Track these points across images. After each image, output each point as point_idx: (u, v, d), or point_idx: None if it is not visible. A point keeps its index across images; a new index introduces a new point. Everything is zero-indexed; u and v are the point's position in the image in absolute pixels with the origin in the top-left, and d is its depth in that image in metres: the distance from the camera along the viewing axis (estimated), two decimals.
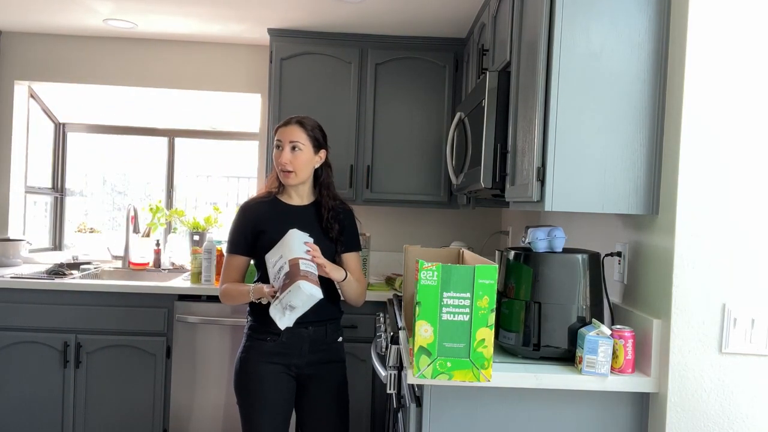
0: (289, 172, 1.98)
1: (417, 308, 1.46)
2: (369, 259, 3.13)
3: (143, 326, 2.91)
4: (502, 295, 1.68)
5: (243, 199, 4.02)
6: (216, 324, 2.88)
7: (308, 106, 3.14)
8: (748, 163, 1.49)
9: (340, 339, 2.13)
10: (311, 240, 1.89)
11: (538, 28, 1.60)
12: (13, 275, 2.98)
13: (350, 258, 2.11)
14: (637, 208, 1.58)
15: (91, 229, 3.89)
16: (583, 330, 1.55)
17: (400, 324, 2.11)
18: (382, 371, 1.99)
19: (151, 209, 3.64)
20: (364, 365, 2.87)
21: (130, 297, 2.90)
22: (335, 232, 2.04)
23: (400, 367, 1.80)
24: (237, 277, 2.05)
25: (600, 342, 1.50)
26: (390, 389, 1.78)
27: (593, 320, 1.59)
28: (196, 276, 2.99)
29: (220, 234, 3.57)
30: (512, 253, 1.68)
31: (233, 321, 2.87)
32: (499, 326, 1.66)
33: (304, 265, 1.80)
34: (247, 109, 3.78)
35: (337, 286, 2.06)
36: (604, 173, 1.56)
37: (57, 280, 2.92)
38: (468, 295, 1.45)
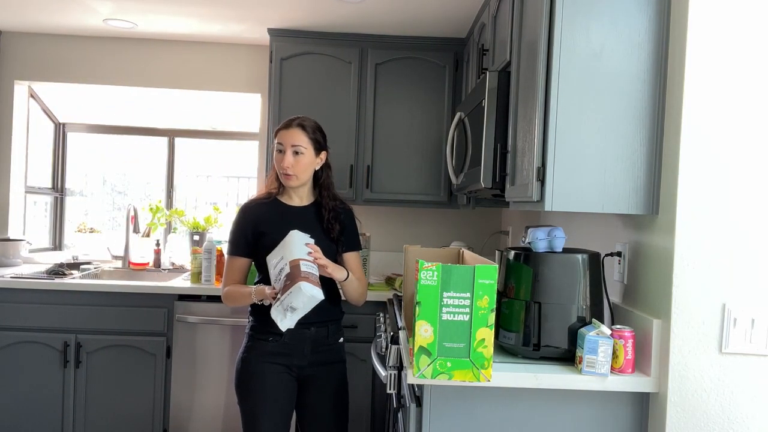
0: (291, 175, 1.98)
1: (417, 308, 1.46)
2: (369, 259, 3.13)
3: (143, 326, 2.91)
4: (502, 295, 1.68)
5: (243, 200, 4.06)
6: (216, 324, 2.88)
7: (308, 106, 3.14)
8: (749, 163, 1.49)
9: (341, 339, 2.13)
10: (312, 241, 1.89)
11: (538, 28, 1.60)
12: (13, 275, 2.98)
13: (351, 257, 2.11)
14: (637, 208, 1.58)
15: (91, 229, 3.89)
16: (583, 330, 1.55)
17: (400, 324, 2.11)
18: (382, 371, 2.00)
19: (151, 209, 3.64)
20: (364, 365, 2.87)
21: (130, 297, 2.90)
22: (336, 232, 2.04)
23: (400, 367, 1.80)
24: (239, 278, 2.05)
25: (600, 342, 1.50)
26: (390, 389, 1.78)
27: (593, 320, 1.59)
28: (196, 276, 3.00)
29: (220, 234, 3.57)
30: (512, 253, 1.68)
31: (233, 321, 2.87)
32: (499, 326, 1.66)
33: (305, 266, 1.80)
34: (247, 109, 3.78)
35: (339, 286, 2.06)
36: (604, 173, 1.56)
37: (57, 280, 2.92)
38: (468, 295, 1.45)
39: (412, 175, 3.22)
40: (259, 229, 1.99)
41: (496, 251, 2.86)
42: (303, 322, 1.89)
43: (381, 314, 2.56)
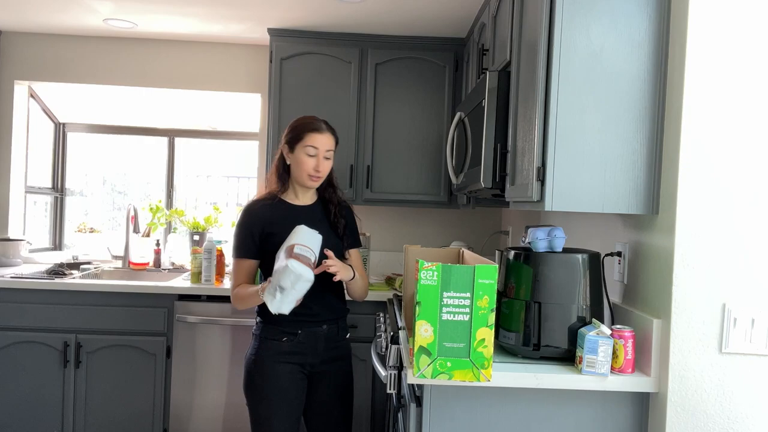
0: (319, 178, 2.01)
1: (417, 308, 1.46)
2: (369, 259, 3.14)
3: (143, 326, 2.91)
4: (502, 294, 1.68)
5: (243, 200, 4.06)
6: (216, 324, 2.88)
7: (308, 106, 3.14)
8: (749, 163, 1.49)
9: (348, 335, 2.15)
10: (319, 237, 1.88)
11: (538, 28, 1.60)
12: (13, 275, 2.98)
13: (354, 254, 2.15)
14: (637, 207, 1.58)
15: (91, 229, 3.89)
16: (583, 330, 1.55)
17: (400, 324, 2.11)
18: (382, 371, 1.99)
19: (151, 209, 3.64)
20: (364, 365, 2.87)
21: (130, 297, 2.90)
22: (342, 227, 2.08)
23: (400, 367, 1.80)
24: (247, 280, 2.04)
25: (600, 342, 1.50)
26: (390, 389, 1.78)
27: (593, 320, 1.59)
28: (196, 276, 2.99)
29: (220, 234, 3.57)
30: (512, 252, 1.68)
31: (233, 321, 2.87)
32: (499, 326, 1.66)
33: (298, 249, 1.78)
34: (247, 109, 3.78)
35: (344, 285, 2.07)
36: (604, 173, 1.56)
37: (57, 280, 2.92)
38: (468, 294, 1.45)
39: (412, 175, 3.22)
40: (266, 230, 1.98)
41: (496, 251, 2.86)
42: (316, 320, 1.97)
43: (381, 314, 2.56)
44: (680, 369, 1.51)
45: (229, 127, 3.92)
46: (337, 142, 2.06)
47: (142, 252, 3.49)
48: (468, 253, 2.00)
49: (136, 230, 3.52)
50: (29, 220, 3.74)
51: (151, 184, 4.02)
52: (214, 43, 3.56)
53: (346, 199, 2.20)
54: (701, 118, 1.49)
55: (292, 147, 1.99)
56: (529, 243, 1.69)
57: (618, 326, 1.57)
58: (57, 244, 3.86)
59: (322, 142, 1.97)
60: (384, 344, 2.13)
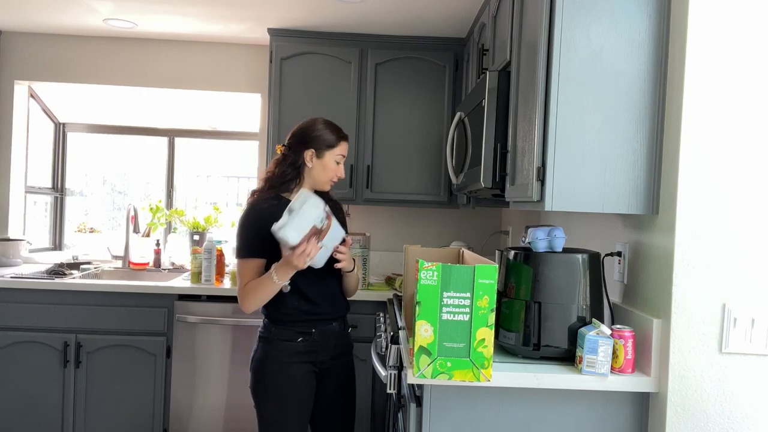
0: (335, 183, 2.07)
1: (417, 308, 1.46)
2: (369, 259, 3.13)
3: (143, 326, 2.91)
4: (502, 294, 1.68)
5: (243, 200, 4.06)
6: (216, 324, 2.88)
7: (308, 106, 3.14)
8: (749, 163, 1.49)
9: (350, 329, 2.18)
10: (325, 207, 1.84)
11: (538, 28, 1.60)
12: (13, 275, 2.98)
13: None
14: (637, 207, 1.58)
15: (91, 229, 3.89)
16: (583, 330, 1.55)
17: (400, 324, 2.11)
18: (382, 371, 2.00)
19: (151, 209, 3.64)
20: (364, 365, 2.87)
21: (130, 297, 2.90)
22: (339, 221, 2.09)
23: (400, 367, 1.80)
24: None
25: (600, 342, 1.50)
26: (390, 389, 1.78)
27: (593, 320, 1.59)
28: (196, 276, 3.00)
29: (220, 234, 3.57)
30: (512, 252, 1.68)
31: (233, 321, 2.87)
32: (499, 326, 1.66)
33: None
34: (247, 109, 3.78)
35: (344, 278, 2.09)
36: (604, 173, 1.56)
37: (57, 280, 2.92)
38: (468, 294, 1.45)
39: (412, 175, 3.22)
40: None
41: (496, 251, 2.86)
42: (327, 318, 2.00)
43: (381, 314, 2.56)
44: (680, 369, 1.51)
45: (229, 127, 3.92)
46: None
47: (142, 252, 3.49)
48: (468, 253, 2.00)
49: (136, 230, 3.52)
50: (29, 220, 3.74)
51: (151, 184, 4.02)
52: (214, 43, 3.56)
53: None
54: (701, 118, 1.49)
55: (321, 152, 1.98)
56: (529, 243, 1.69)
57: (618, 326, 1.57)
58: (57, 244, 3.86)
59: (345, 150, 2.05)
60: (384, 344, 2.13)
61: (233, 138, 3.93)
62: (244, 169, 4.04)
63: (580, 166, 1.56)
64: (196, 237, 3.48)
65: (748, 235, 1.50)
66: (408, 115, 3.21)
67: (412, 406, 1.60)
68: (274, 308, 1.97)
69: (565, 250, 1.68)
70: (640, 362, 1.60)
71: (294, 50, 3.17)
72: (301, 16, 2.99)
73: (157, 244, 3.54)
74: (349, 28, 3.14)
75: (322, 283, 1.99)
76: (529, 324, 1.60)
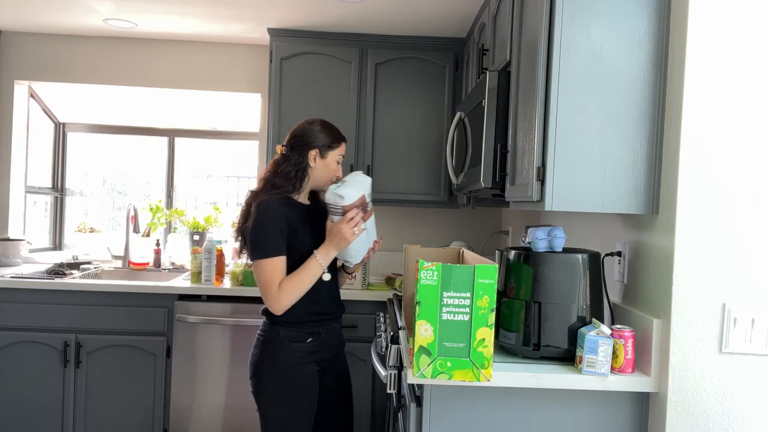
0: None
1: (417, 308, 1.46)
2: (369, 259, 3.13)
3: (143, 326, 2.91)
4: (502, 294, 1.68)
5: (243, 200, 4.05)
6: (216, 324, 2.88)
7: (308, 105, 3.14)
8: (749, 163, 1.49)
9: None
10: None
11: (538, 28, 1.61)
12: (13, 275, 2.98)
13: None
14: (637, 207, 1.58)
15: (91, 228, 3.89)
16: (583, 330, 1.55)
17: (400, 324, 2.11)
18: (382, 371, 2.00)
19: (151, 209, 3.64)
20: (364, 365, 2.88)
21: (130, 297, 2.90)
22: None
23: (400, 367, 1.80)
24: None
25: (600, 342, 1.50)
26: (390, 389, 1.78)
27: (593, 320, 1.59)
28: (196, 276, 3.00)
29: (220, 234, 3.57)
30: (512, 252, 1.68)
31: (233, 321, 2.87)
32: (499, 326, 1.66)
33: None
34: (247, 109, 3.78)
35: (340, 273, 2.14)
36: (604, 173, 1.56)
37: (57, 280, 2.92)
38: (468, 294, 1.45)
39: (412, 175, 3.22)
40: (292, 225, 1.94)
41: (496, 251, 2.87)
42: (333, 317, 2.03)
43: (381, 314, 2.56)
44: (680, 369, 1.51)
45: (229, 127, 3.92)
46: None
47: (142, 252, 3.49)
48: (468, 253, 2.00)
49: (136, 230, 3.52)
50: (29, 220, 3.74)
51: (151, 184, 4.02)
52: (214, 43, 3.56)
53: None
54: (701, 118, 1.49)
55: (324, 153, 2.01)
56: (529, 243, 1.69)
57: (618, 326, 1.57)
58: (57, 244, 3.86)
59: (344, 151, 2.09)
60: (384, 344, 2.13)
61: (233, 138, 3.93)
62: (244, 169, 4.04)
63: (580, 166, 1.56)
64: (196, 237, 3.48)
65: (748, 235, 1.50)
66: (408, 115, 3.21)
67: (412, 406, 1.60)
68: (273, 315, 1.95)
69: (565, 250, 1.68)
70: (640, 362, 1.60)
71: (294, 50, 3.17)
72: (301, 16, 2.99)
73: (157, 244, 3.54)
74: (349, 28, 3.14)
75: (327, 283, 2.01)
76: (529, 324, 1.60)
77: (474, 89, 2.24)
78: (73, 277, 3.07)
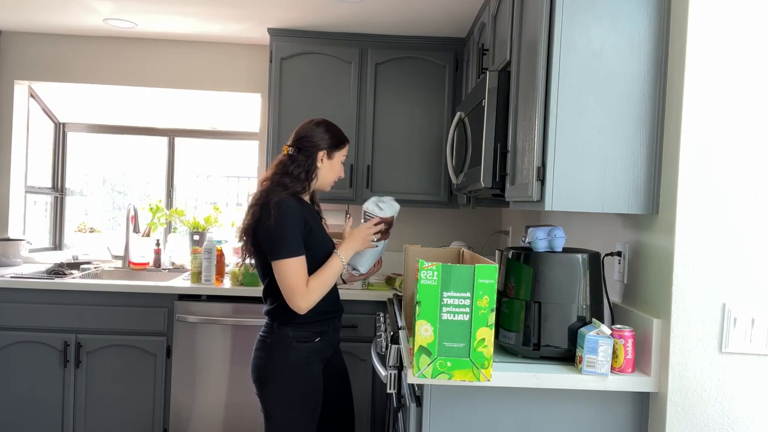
0: None
1: (417, 308, 1.46)
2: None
3: (143, 326, 2.91)
4: (502, 294, 1.68)
5: (243, 200, 4.06)
6: (216, 324, 2.88)
7: (308, 106, 3.14)
8: (748, 163, 1.49)
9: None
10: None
11: (538, 28, 1.60)
12: (13, 275, 2.98)
13: None
14: (637, 207, 1.58)
15: (91, 228, 3.89)
16: (583, 329, 1.55)
17: (400, 324, 2.11)
18: (382, 371, 2.00)
19: (151, 209, 3.64)
20: (364, 365, 2.87)
21: (130, 297, 2.90)
22: (324, 223, 2.17)
23: (400, 367, 1.80)
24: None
25: (600, 341, 1.50)
26: (390, 389, 1.78)
27: (593, 320, 1.59)
28: (196, 276, 2.99)
29: (220, 234, 3.57)
30: (512, 252, 1.68)
31: (234, 321, 2.87)
32: (499, 326, 1.66)
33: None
34: (247, 109, 3.78)
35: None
36: (604, 173, 1.56)
37: (57, 280, 2.92)
38: (468, 294, 1.45)
39: (412, 175, 3.22)
40: (308, 224, 1.95)
41: (496, 251, 2.87)
42: (337, 316, 2.07)
43: (381, 314, 2.56)
44: (680, 369, 1.51)
45: (229, 127, 3.92)
46: None
47: (142, 252, 3.49)
48: (468, 253, 2.00)
49: (136, 230, 3.52)
50: (29, 220, 3.74)
51: (151, 184, 4.02)
52: (214, 43, 3.56)
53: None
54: (701, 118, 1.49)
55: (332, 153, 2.05)
56: (529, 243, 1.69)
57: (618, 326, 1.57)
58: (57, 244, 3.86)
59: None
60: (384, 344, 2.13)
61: (233, 138, 3.93)
62: (244, 169, 4.03)
63: (580, 165, 1.56)
64: (196, 237, 3.48)
65: (748, 235, 1.50)
66: (408, 115, 3.21)
67: (412, 406, 1.60)
68: (292, 311, 1.93)
69: (565, 250, 1.68)
70: (640, 362, 1.60)
71: (294, 50, 3.17)
72: (301, 16, 2.99)
73: (157, 244, 3.54)
74: (349, 28, 3.14)
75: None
76: (529, 324, 1.60)
77: (474, 89, 2.24)
78: (73, 277, 3.07)
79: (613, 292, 1.83)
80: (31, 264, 3.48)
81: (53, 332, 2.90)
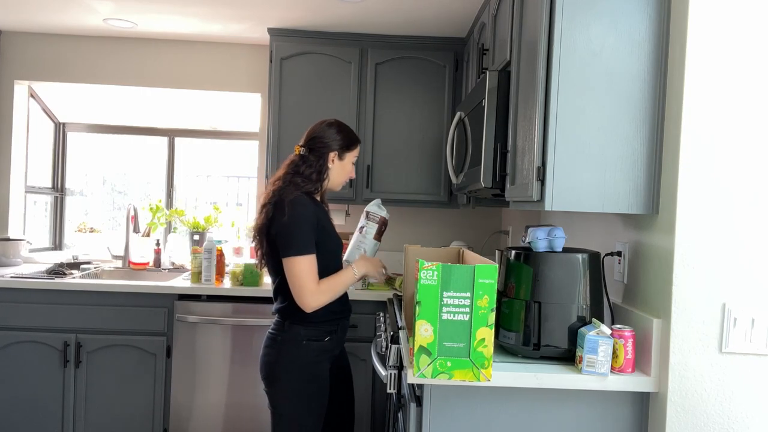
0: None
1: (417, 308, 1.46)
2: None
3: (143, 326, 2.91)
4: (502, 294, 1.68)
5: (243, 200, 4.06)
6: (216, 324, 2.88)
7: (308, 106, 3.14)
8: (748, 163, 1.49)
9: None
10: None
11: (538, 28, 1.60)
12: (13, 275, 2.98)
13: None
14: (637, 207, 1.58)
15: (91, 228, 3.89)
16: (583, 329, 1.55)
17: (400, 323, 2.11)
18: (382, 371, 2.00)
19: (151, 209, 3.64)
20: (364, 365, 2.87)
21: (130, 297, 2.90)
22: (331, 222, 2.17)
23: (400, 367, 1.80)
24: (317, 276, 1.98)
25: (600, 341, 1.50)
26: (390, 389, 1.78)
27: (593, 320, 1.59)
28: (196, 276, 2.99)
29: (220, 234, 3.57)
30: (512, 252, 1.68)
31: (234, 321, 2.87)
32: (499, 326, 1.66)
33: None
34: (247, 109, 3.78)
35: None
36: (604, 173, 1.56)
37: (57, 280, 2.92)
38: (468, 294, 1.45)
39: (412, 175, 3.22)
40: (321, 223, 1.96)
41: (496, 251, 2.87)
42: (346, 315, 2.09)
43: (381, 314, 2.56)
44: (680, 369, 1.51)
45: (229, 127, 3.92)
46: None
47: (142, 252, 3.49)
48: (468, 253, 2.00)
49: (136, 230, 3.52)
50: (29, 220, 3.74)
51: (151, 184, 4.02)
52: (214, 43, 3.56)
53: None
54: (701, 118, 1.49)
55: (343, 154, 2.06)
56: (529, 243, 1.69)
57: (618, 326, 1.57)
58: (57, 244, 3.86)
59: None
60: (384, 344, 2.13)
61: (233, 138, 3.93)
62: (244, 169, 4.03)
63: (580, 165, 1.56)
64: (196, 237, 3.48)
65: (748, 235, 1.50)
66: (408, 114, 3.21)
67: (412, 406, 1.60)
68: (288, 313, 1.96)
69: (565, 250, 1.68)
70: (640, 362, 1.60)
71: (294, 50, 3.17)
72: (301, 16, 2.99)
73: (157, 244, 3.54)
74: (349, 28, 3.14)
75: None
76: (529, 324, 1.60)
77: (474, 89, 2.24)
78: (73, 277, 3.07)
79: (613, 292, 1.83)
80: (31, 264, 3.48)
81: (53, 332, 2.90)
